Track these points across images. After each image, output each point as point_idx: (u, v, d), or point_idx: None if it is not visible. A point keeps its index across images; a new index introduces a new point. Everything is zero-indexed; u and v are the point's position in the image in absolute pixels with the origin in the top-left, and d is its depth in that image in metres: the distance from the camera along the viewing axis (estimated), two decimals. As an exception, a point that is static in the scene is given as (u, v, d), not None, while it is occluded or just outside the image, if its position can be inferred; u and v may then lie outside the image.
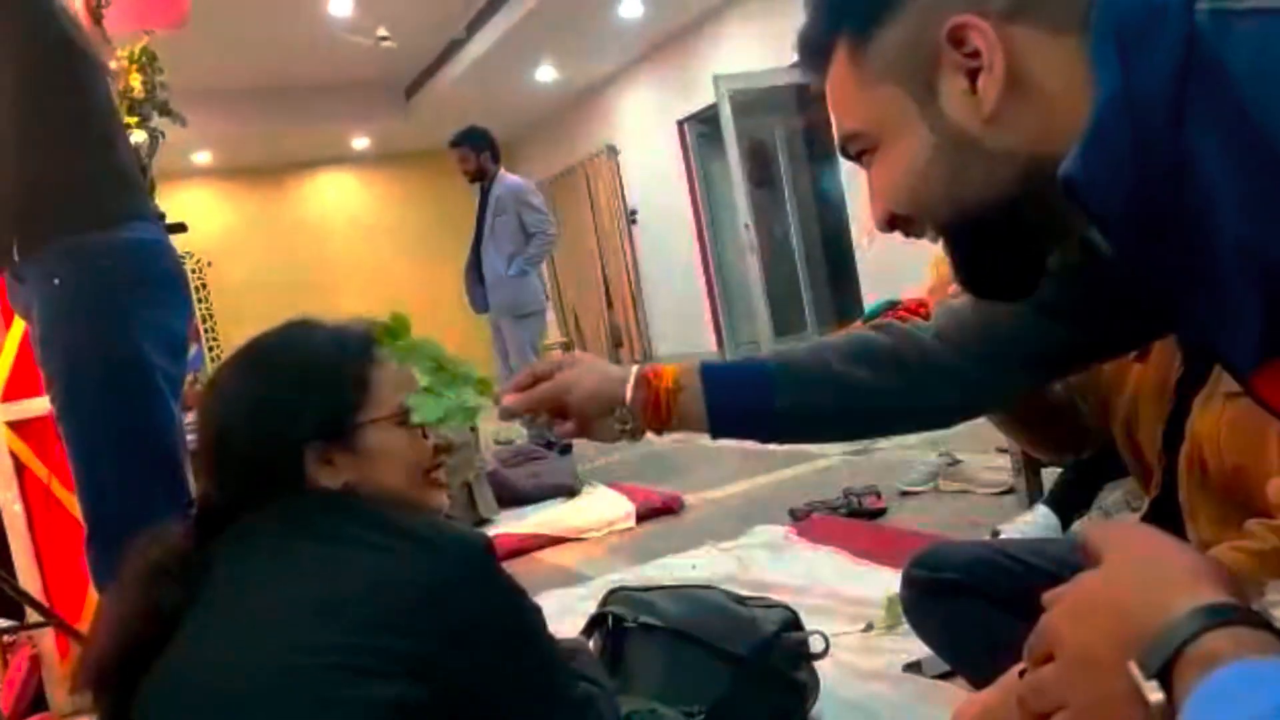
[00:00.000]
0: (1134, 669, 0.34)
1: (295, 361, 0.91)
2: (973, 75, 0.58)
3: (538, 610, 0.87)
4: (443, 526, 0.84)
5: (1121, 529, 0.41)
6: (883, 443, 3.60)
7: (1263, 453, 0.90)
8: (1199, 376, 0.97)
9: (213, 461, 0.90)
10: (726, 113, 6.64)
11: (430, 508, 0.94)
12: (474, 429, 3.44)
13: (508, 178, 4.68)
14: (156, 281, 1.55)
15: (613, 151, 9.14)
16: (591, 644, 1.51)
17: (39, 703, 1.97)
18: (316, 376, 0.90)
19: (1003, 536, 2.01)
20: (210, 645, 0.79)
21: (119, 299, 1.47)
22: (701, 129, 8.09)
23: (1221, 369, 0.91)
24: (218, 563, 0.84)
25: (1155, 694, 0.33)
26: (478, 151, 4.63)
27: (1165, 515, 1.05)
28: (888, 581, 1.87)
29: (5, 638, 2.07)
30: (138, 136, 2.79)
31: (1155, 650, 0.33)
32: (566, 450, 4.52)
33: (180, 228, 1.79)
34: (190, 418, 2.90)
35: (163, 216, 1.67)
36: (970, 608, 1.15)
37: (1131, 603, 0.36)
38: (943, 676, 1.45)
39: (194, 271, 9.13)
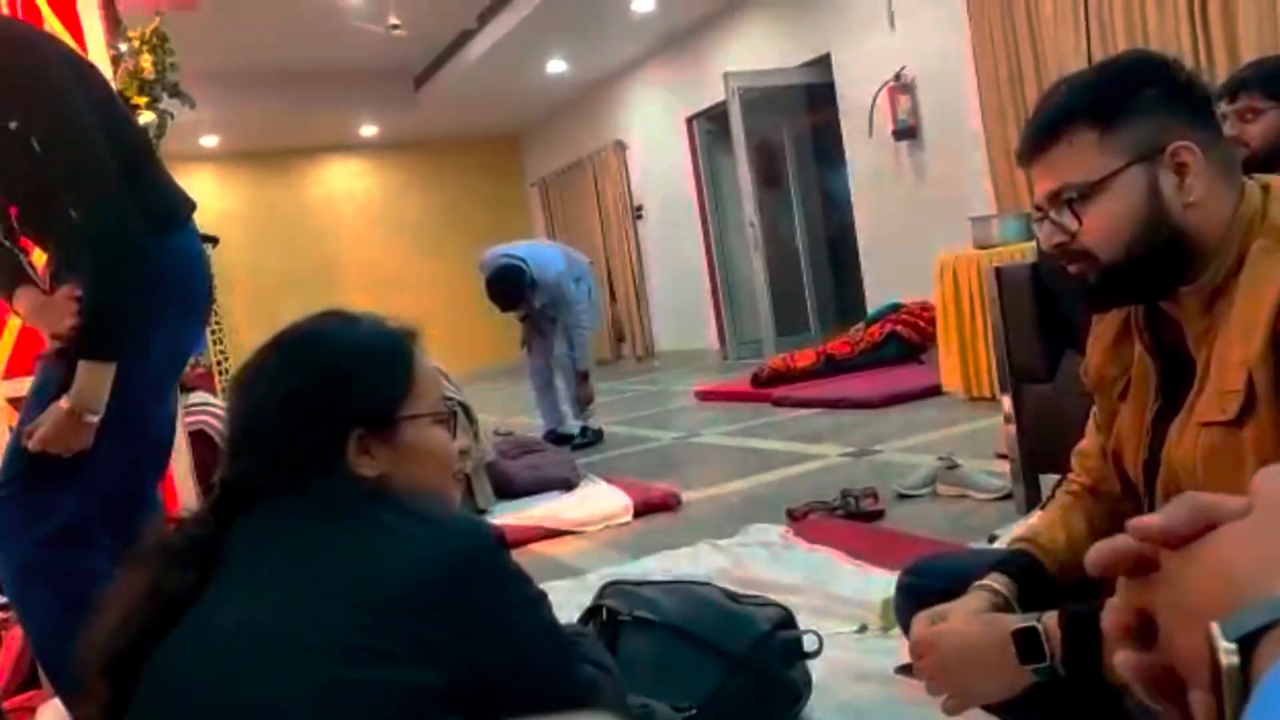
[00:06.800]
0: (1213, 628, 0.32)
1: (346, 350, 0.92)
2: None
3: (544, 597, 0.88)
4: (457, 515, 0.86)
5: None
6: (881, 445, 3.60)
7: (1238, 486, 0.89)
8: (1175, 410, 0.97)
9: (248, 443, 0.90)
10: (735, 111, 6.63)
11: (450, 503, 0.97)
12: (474, 420, 3.45)
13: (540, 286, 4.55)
14: (187, 295, 1.59)
15: (620, 146, 9.14)
16: (585, 637, 1.52)
17: (34, 680, 1.98)
18: (368, 365, 0.92)
19: (1000, 542, 2.01)
20: (223, 624, 0.80)
21: (155, 308, 1.49)
22: (710, 126, 8.08)
23: (1194, 399, 0.93)
24: (238, 542, 0.85)
25: (1230, 657, 0.31)
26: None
27: None
28: (883, 584, 1.88)
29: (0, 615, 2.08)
30: (146, 117, 2.79)
31: (1244, 617, 0.31)
32: (599, 437, 4.62)
33: (212, 240, 1.81)
34: (189, 401, 2.91)
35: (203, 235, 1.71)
36: None
37: (1243, 565, 0.34)
38: (935, 680, 1.45)
39: (198, 254, 9.14)
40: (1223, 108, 2.12)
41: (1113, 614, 0.38)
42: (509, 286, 4.41)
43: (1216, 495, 0.38)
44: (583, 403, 4.71)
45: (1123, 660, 0.37)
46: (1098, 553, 0.38)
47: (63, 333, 1.44)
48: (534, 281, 4.45)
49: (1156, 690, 0.36)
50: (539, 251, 4.63)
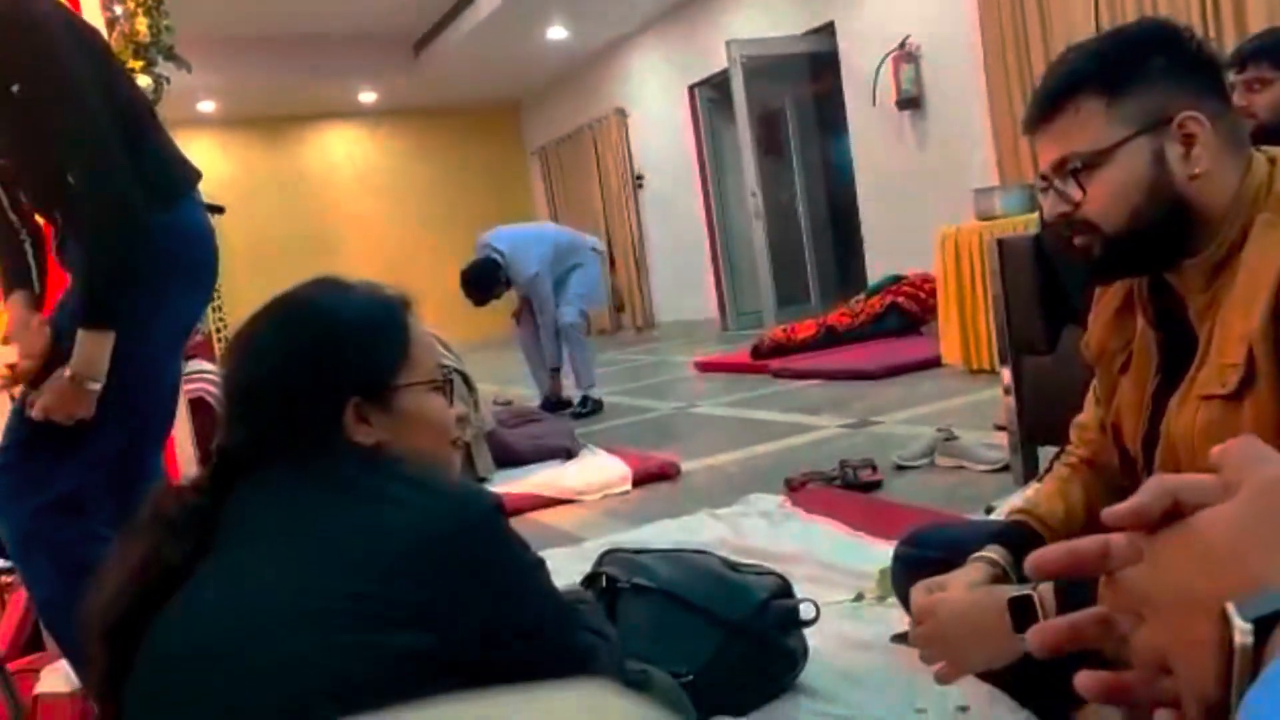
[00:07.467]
0: (1230, 608, 0.32)
1: (341, 317, 0.92)
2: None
3: (543, 564, 0.88)
4: (455, 482, 0.86)
5: (1274, 459, 0.36)
6: (880, 416, 3.61)
7: None
8: (1176, 384, 0.97)
9: (244, 411, 0.90)
10: (738, 79, 6.57)
11: (449, 471, 0.97)
12: (473, 389, 3.45)
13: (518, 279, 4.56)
14: (192, 267, 1.58)
15: (622, 114, 9.06)
16: (584, 604, 1.53)
17: (36, 642, 2.00)
18: (363, 333, 0.92)
19: (996, 514, 2.03)
20: (221, 590, 0.80)
21: (157, 282, 1.48)
22: (712, 95, 8.01)
23: (1195, 372, 0.92)
24: (236, 510, 0.85)
25: (1245, 637, 0.31)
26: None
27: None
28: (880, 553, 1.89)
29: (4, 578, 2.09)
30: (142, 81, 2.76)
31: (1263, 599, 0.31)
32: (599, 408, 4.62)
33: (217, 209, 1.80)
34: (188, 369, 2.91)
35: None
36: None
37: (1256, 553, 0.33)
38: (930, 648, 1.47)
39: (197, 221, 9.09)
40: (1230, 78, 2.09)
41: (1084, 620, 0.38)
42: (478, 283, 4.45)
43: (1183, 475, 0.38)
44: (552, 401, 4.72)
45: (1083, 682, 0.37)
46: (1049, 558, 0.38)
47: (18, 372, 1.43)
48: (509, 278, 4.46)
49: (1114, 698, 0.37)
50: (523, 245, 4.56)
